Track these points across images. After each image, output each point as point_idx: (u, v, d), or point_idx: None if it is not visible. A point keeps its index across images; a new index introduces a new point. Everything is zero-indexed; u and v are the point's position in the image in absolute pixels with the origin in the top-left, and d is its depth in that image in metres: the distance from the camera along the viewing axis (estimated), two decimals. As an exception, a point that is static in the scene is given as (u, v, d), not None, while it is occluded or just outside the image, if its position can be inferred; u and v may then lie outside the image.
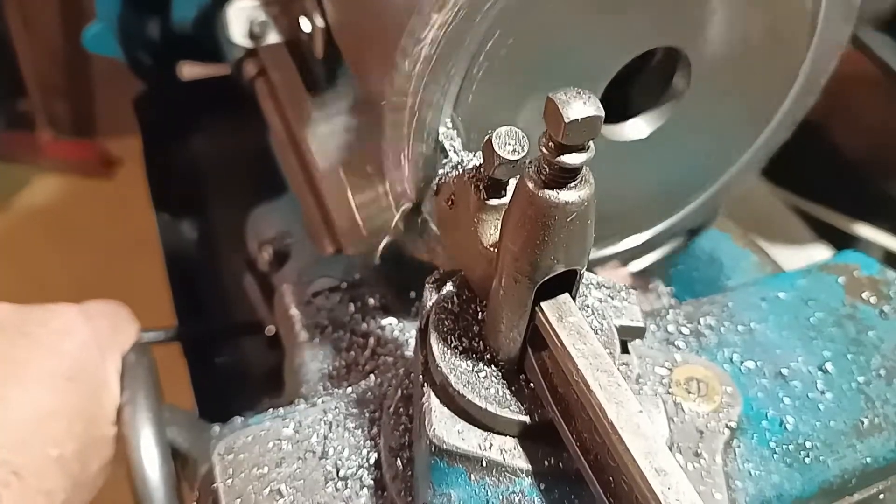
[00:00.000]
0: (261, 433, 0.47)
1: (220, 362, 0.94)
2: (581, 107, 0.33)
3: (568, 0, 0.46)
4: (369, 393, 0.50)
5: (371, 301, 0.60)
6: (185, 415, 0.64)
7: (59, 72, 1.91)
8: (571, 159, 0.35)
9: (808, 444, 0.51)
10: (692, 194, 0.62)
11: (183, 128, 1.09)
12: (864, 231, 1.17)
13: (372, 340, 0.57)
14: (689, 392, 0.51)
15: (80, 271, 1.87)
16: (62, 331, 0.58)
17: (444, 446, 0.40)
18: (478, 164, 0.43)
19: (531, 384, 0.41)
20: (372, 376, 0.53)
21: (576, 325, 0.38)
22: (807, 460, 0.51)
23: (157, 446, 0.58)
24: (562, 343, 0.38)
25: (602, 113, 0.34)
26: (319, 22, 0.72)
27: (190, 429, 0.63)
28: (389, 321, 0.59)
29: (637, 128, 0.54)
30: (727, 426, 0.50)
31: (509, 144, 0.39)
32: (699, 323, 0.57)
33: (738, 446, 0.50)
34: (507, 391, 0.41)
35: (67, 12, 1.77)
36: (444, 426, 0.41)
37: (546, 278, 0.38)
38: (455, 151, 0.46)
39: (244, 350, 0.96)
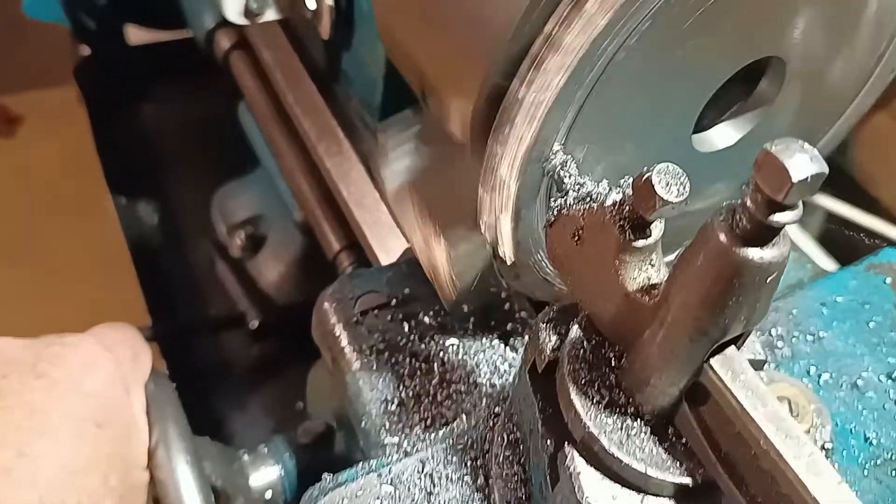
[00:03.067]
0: (357, 493, 0.43)
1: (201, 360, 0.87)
2: (806, 163, 0.30)
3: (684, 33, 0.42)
4: (465, 437, 0.45)
5: (426, 319, 0.55)
6: (213, 447, 0.58)
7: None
8: (784, 218, 0.31)
9: (893, 459, 0.51)
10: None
11: (132, 98, 0.98)
12: (820, 200, 1.23)
13: (436, 365, 0.53)
14: (785, 414, 0.49)
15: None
16: (83, 367, 0.51)
17: (602, 516, 0.37)
18: (618, 200, 0.38)
19: (682, 439, 0.38)
20: (464, 416, 0.48)
21: (751, 383, 0.35)
22: (894, 475, 0.50)
23: (199, 491, 0.52)
24: (741, 405, 0.35)
25: (826, 169, 0.30)
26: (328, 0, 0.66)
27: (221, 461, 0.57)
28: (451, 342, 0.54)
29: (725, 135, 0.51)
30: (823, 447, 0.48)
31: (672, 185, 0.35)
32: (770, 334, 0.56)
33: (833, 466, 0.49)
34: (661, 449, 0.38)
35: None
36: (597, 492, 0.37)
37: (726, 339, 0.35)
38: (573, 181, 0.41)
39: (225, 345, 0.89)
